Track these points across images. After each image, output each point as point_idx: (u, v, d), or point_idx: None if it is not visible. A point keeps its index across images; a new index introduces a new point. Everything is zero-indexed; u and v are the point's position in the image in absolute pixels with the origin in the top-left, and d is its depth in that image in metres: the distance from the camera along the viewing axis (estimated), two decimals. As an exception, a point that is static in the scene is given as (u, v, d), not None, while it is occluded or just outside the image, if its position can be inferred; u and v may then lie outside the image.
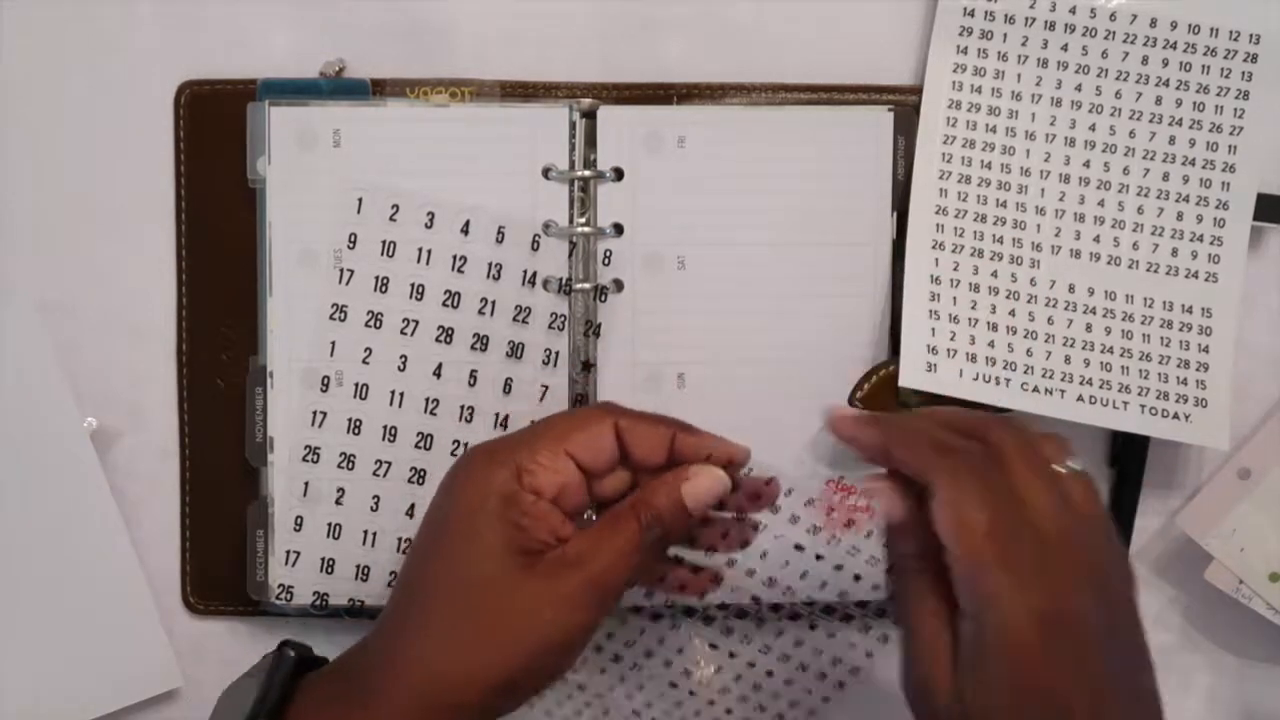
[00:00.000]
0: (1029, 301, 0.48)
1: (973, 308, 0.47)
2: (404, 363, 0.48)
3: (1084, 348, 0.47)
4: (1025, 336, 0.47)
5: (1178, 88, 0.48)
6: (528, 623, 0.35)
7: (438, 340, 0.48)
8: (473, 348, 0.48)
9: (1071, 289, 0.48)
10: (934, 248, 0.48)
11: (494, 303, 0.48)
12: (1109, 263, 0.48)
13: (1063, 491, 0.35)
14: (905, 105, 0.49)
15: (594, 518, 0.39)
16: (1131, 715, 0.33)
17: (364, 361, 0.48)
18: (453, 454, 0.48)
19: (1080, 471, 0.36)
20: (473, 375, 0.48)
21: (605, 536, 0.36)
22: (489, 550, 0.36)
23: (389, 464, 0.48)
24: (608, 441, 0.38)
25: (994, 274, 0.48)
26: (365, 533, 0.48)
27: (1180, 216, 0.48)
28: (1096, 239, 0.48)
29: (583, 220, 0.48)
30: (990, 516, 0.33)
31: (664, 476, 0.38)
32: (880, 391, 0.47)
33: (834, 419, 0.38)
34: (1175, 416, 0.47)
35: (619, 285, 0.48)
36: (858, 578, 0.39)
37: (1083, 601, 0.33)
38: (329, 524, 0.48)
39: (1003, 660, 0.32)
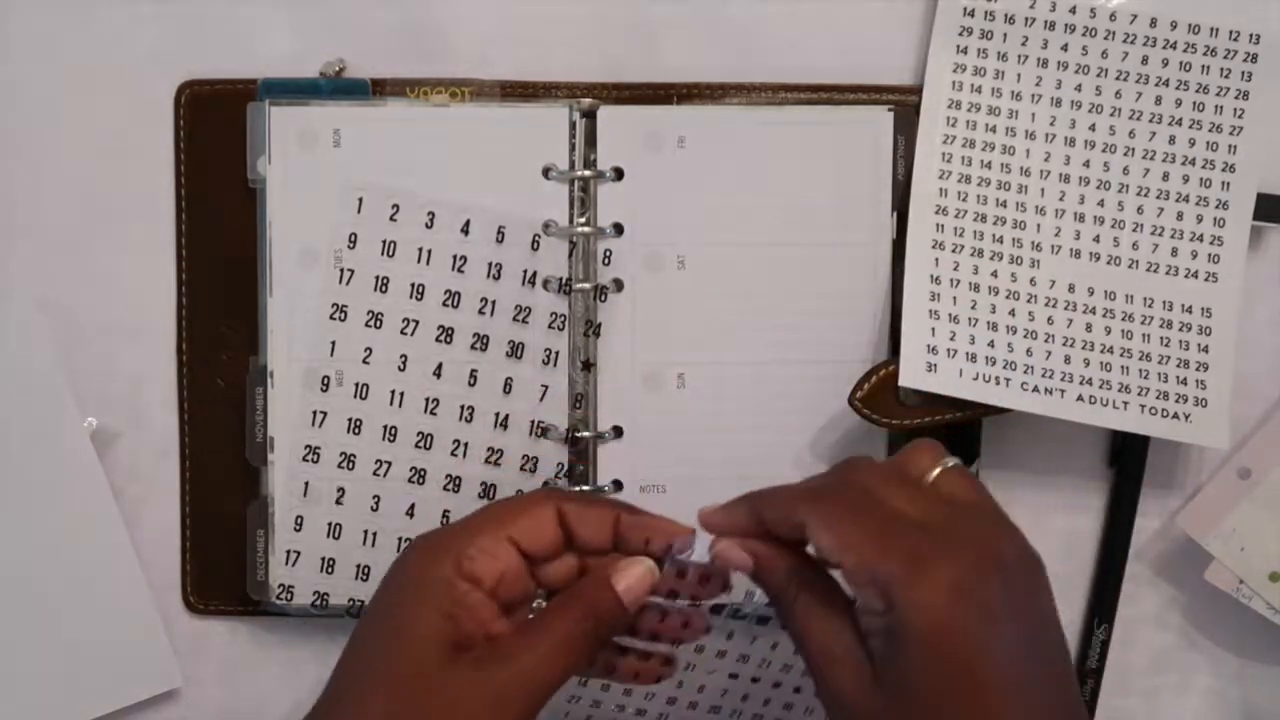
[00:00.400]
0: (1029, 301, 0.48)
1: (973, 308, 0.47)
2: (404, 363, 0.48)
3: (1084, 347, 0.47)
4: (1025, 336, 0.47)
5: (1178, 88, 0.48)
6: (452, 717, 0.34)
7: (438, 340, 0.48)
8: (473, 348, 0.48)
9: (1071, 289, 0.48)
10: (934, 248, 0.48)
11: (494, 303, 0.48)
12: (1109, 262, 0.48)
13: (943, 490, 0.36)
14: (905, 105, 0.49)
15: (543, 605, 0.39)
16: (1046, 685, 0.33)
17: (364, 361, 0.48)
18: (452, 454, 0.48)
19: (954, 466, 0.37)
20: (473, 375, 0.48)
21: (538, 632, 0.36)
22: (419, 641, 0.35)
23: (389, 464, 0.48)
24: (549, 526, 0.38)
25: (994, 274, 0.48)
26: (365, 533, 0.48)
27: (1180, 216, 0.48)
28: (1096, 239, 0.48)
29: (583, 220, 0.48)
30: (870, 526, 0.34)
31: (593, 572, 0.38)
32: (880, 391, 0.47)
33: (702, 517, 0.38)
34: (1175, 416, 0.47)
35: (619, 285, 0.48)
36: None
37: (982, 575, 0.33)
38: (329, 524, 0.48)
39: (920, 636, 0.32)
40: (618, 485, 0.48)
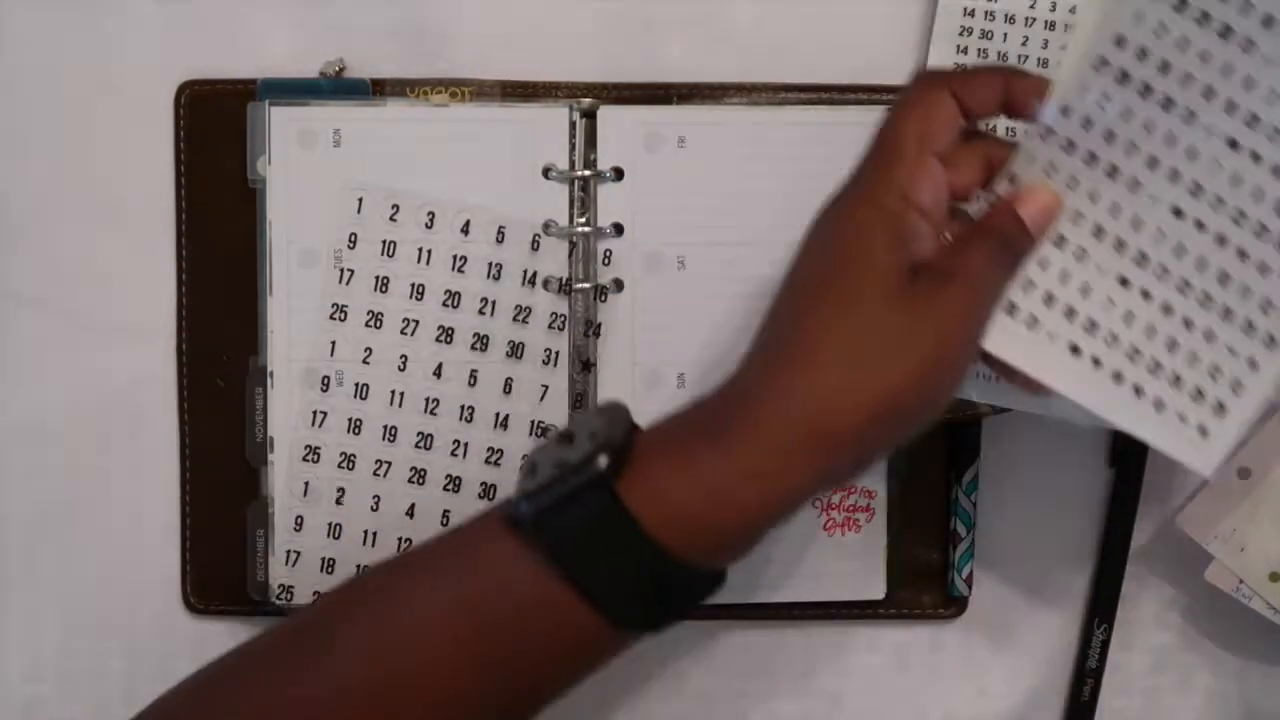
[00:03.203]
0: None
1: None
2: (404, 363, 0.48)
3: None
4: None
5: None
6: (910, 341, 0.34)
7: (438, 340, 0.48)
8: (473, 348, 0.48)
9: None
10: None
11: (494, 303, 0.48)
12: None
13: None
14: (905, 105, 0.48)
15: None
16: None
17: (364, 361, 0.48)
18: (452, 454, 0.48)
19: None
20: (473, 375, 0.48)
21: (968, 246, 0.35)
22: (876, 272, 0.34)
23: (389, 464, 0.48)
24: (952, 110, 0.36)
25: (994, 274, 0.48)
26: (365, 533, 0.48)
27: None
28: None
29: (583, 220, 0.48)
30: None
31: (999, 205, 0.37)
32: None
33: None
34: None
35: (619, 285, 0.48)
36: None
37: None
38: (329, 524, 0.48)
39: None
40: (618, 485, 0.48)
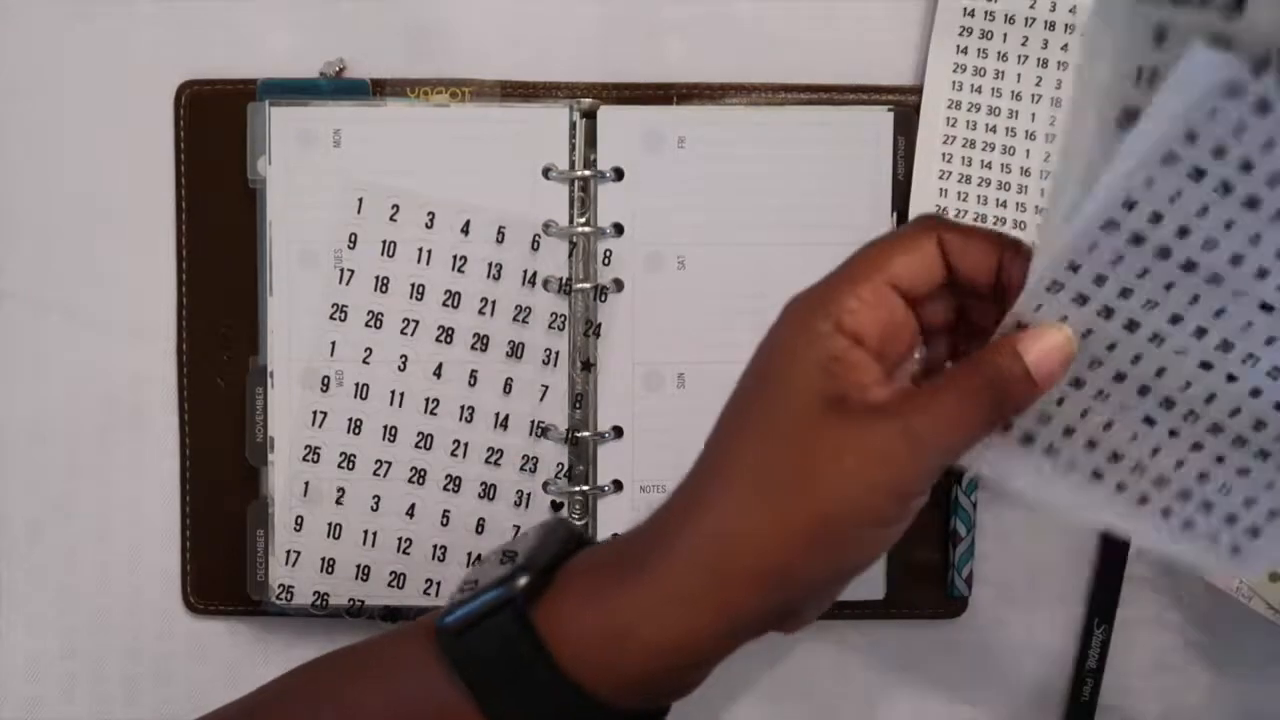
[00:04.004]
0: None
1: (973, 308, 0.47)
2: (404, 363, 0.48)
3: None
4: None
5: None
6: (829, 471, 0.31)
7: (438, 340, 0.48)
8: (473, 348, 0.48)
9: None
10: (934, 248, 0.48)
11: (494, 303, 0.48)
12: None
13: None
14: (905, 105, 0.49)
15: (923, 354, 0.35)
16: None
17: (364, 361, 0.48)
18: (452, 454, 0.48)
19: None
20: (473, 375, 0.48)
21: (931, 395, 0.32)
22: (794, 392, 0.32)
23: (389, 464, 0.48)
24: (933, 260, 0.33)
25: (994, 274, 0.48)
26: (365, 533, 0.48)
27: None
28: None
29: (583, 220, 0.48)
30: None
31: (1001, 340, 0.32)
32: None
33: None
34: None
35: (619, 285, 0.48)
36: None
37: None
38: (329, 524, 0.48)
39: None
40: (618, 485, 0.48)
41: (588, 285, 0.48)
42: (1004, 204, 0.48)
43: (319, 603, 0.48)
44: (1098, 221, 0.30)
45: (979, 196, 0.48)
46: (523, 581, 0.33)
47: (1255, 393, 0.33)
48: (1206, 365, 0.32)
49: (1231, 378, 0.32)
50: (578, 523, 0.49)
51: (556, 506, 0.49)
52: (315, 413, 0.48)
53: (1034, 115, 0.48)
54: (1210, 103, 0.26)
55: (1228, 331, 0.31)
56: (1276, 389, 0.32)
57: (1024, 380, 0.32)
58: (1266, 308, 0.31)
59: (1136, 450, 0.34)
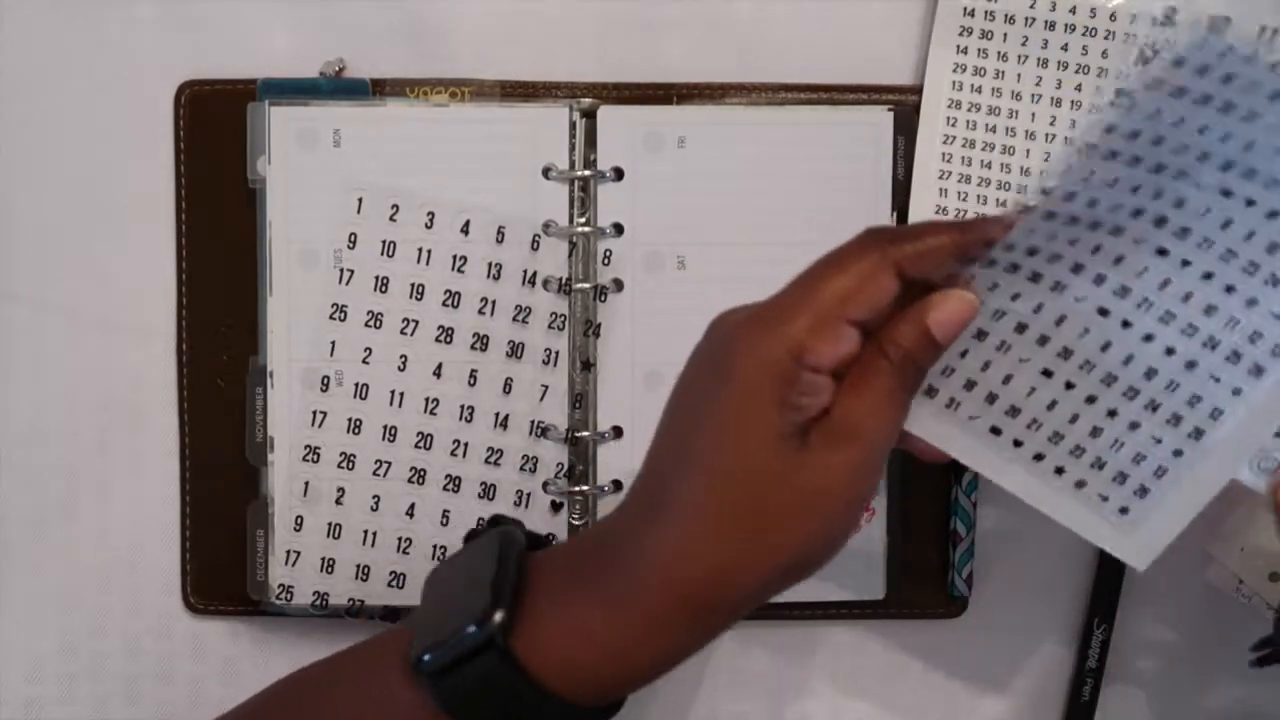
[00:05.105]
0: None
1: (973, 308, 0.47)
2: (404, 363, 0.48)
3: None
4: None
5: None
6: (808, 503, 0.33)
7: (438, 340, 0.48)
8: (473, 348, 0.48)
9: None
10: (934, 247, 0.48)
11: (494, 303, 0.48)
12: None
13: None
14: (905, 105, 0.49)
15: None
16: None
17: (364, 361, 0.48)
18: (452, 454, 0.48)
19: None
20: (473, 375, 0.48)
21: (866, 393, 0.33)
22: (765, 437, 0.32)
23: (389, 464, 0.48)
24: (890, 290, 0.33)
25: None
26: (365, 533, 0.48)
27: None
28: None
29: (583, 220, 0.48)
30: None
31: (905, 312, 0.34)
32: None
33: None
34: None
35: (619, 285, 0.48)
36: None
37: None
38: (329, 524, 0.48)
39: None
40: (617, 485, 0.48)
41: (587, 285, 0.48)
42: (1004, 204, 0.48)
43: (319, 603, 0.48)
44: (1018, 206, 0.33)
45: (979, 196, 0.48)
46: (499, 618, 0.34)
47: (1148, 338, 0.34)
48: (1104, 311, 0.34)
49: (1126, 324, 0.34)
50: (577, 521, 0.49)
51: (556, 506, 0.49)
52: (315, 413, 0.48)
53: (1034, 115, 0.48)
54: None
55: (1126, 277, 0.34)
56: (1167, 334, 0.34)
57: (930, 345, 0.34)
58: (1162, 252, 0.33)
59: (1034, 405, 0.35)
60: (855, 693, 0.51)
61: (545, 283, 0.48)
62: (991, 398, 0.36)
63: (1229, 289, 0.33)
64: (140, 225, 0.50)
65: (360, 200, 0.48)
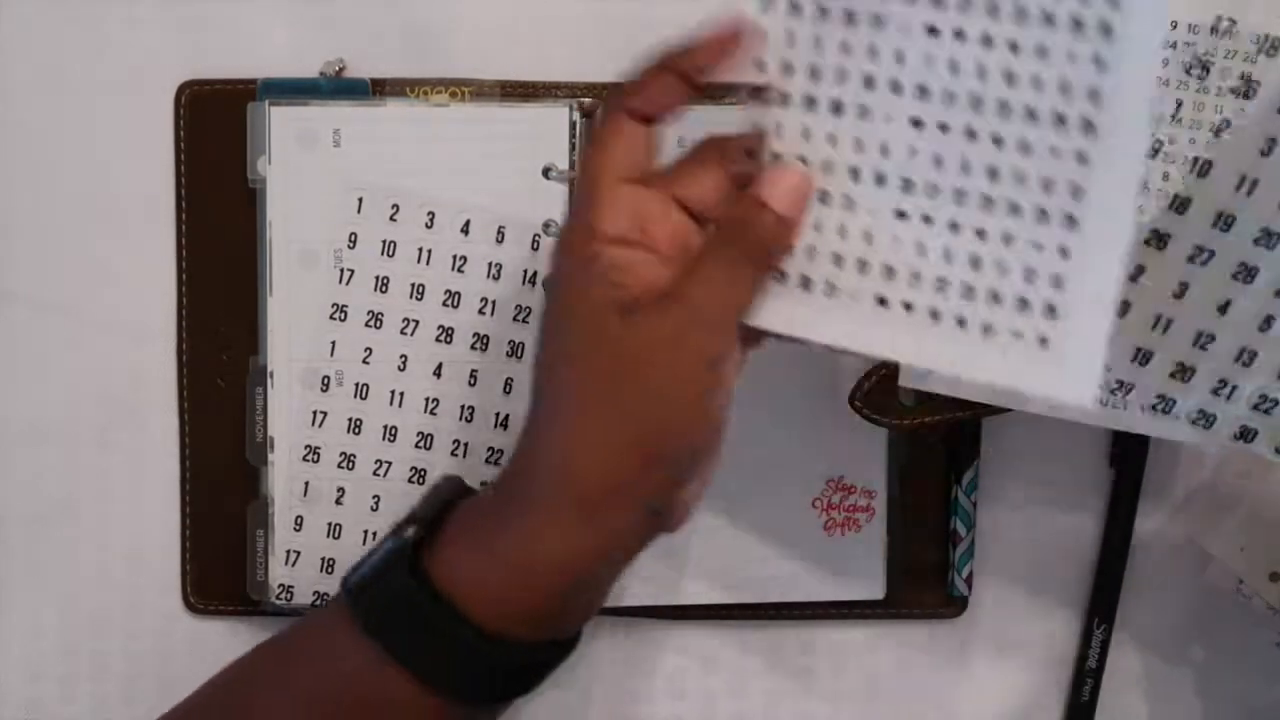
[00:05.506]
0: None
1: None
2: (404, 363, 0.48)
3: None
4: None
5: (1178, 87, 0.48)
6: (638, 367, 0.33)
7: (438, 340, 0.48)
8: (473, 348, 0.48)
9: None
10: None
11: (494, 303, 0.48)
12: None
13: None
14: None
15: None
16: None
17: (364, 361, 0.48)
18: (452, 454, 0.48)
19: None
20: (473, 375, 0.48)
21: (701, 267, 0.33)
22: (597, 319, 0.33)
23: (389, 464, 0.48)
24: (636, 136, 0.36)
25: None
26: (365, 533, 0.48)
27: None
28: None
29: (583, 220, 0.48)
30: None
31: (742, 197, 0.34)
32: (880, 392, 0.47)
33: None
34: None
35: (619, 285, 0.48)
36: None
37: None
38: (329, 524, 0.48)
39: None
40: (618, 485, 0.48)
41: (588, 285, 0.48)
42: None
43: (319, 603, 0.48)
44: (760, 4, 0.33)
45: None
46: (410, 532, 0.35)
47: (971, 133, 0.32)
48: (918, 122, 0.33)
49: (944, 126, 0.32)
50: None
51: (556, 506, 0.49)
52: (315, 413, 0.48)
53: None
54: None
55: (916, 75, 0.32)
56: (986, 119, 0.32)
57: (776, 222, 0.34)
58: (933, 31, 0.32)
59: (904, 255, 0.33)
60: (855, 693, 0.51)
61: (545, 283, 0.48)
62: (863, 265, 0.34)
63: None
64: (140, 225, 0.50)
65: (360, 200, 0.48)
